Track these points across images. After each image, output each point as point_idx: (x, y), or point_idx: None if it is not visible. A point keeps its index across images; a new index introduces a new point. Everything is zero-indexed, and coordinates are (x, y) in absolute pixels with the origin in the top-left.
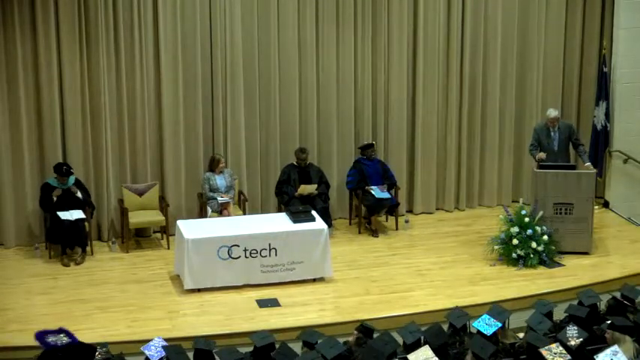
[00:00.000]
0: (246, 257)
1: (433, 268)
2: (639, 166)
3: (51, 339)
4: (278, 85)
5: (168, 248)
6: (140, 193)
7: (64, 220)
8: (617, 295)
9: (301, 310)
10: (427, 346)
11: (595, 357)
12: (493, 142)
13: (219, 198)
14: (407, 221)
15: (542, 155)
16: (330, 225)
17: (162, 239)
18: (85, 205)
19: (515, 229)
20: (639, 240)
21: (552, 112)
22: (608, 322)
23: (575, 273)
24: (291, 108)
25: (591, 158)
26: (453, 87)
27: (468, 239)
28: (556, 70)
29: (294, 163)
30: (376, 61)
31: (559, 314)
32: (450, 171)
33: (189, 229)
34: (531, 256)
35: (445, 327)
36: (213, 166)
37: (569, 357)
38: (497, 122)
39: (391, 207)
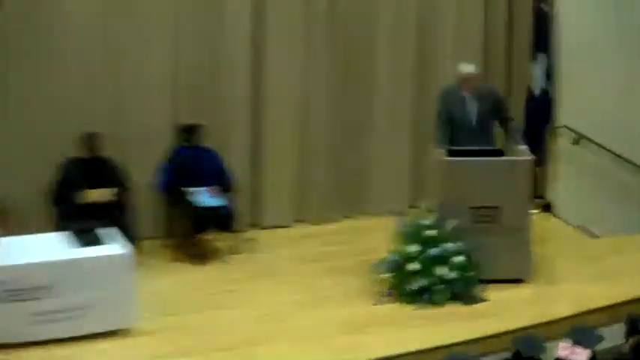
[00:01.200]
0: (8, 302)
1: (291, 309)
2: (597, 150)
3: None
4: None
5: None
6: None
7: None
8: (568, 341)
9: None
10: None
11: None
12: (381, 126)
13: None
14: (251, 240)
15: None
16: (134, 248)
17: None
18: None
19: (413, 248)
20: (599, 257)
21: (467, 68)
22: None
23: (505, 311)
24: (70, 78)
25: (527, 139)
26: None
27: (344, 265)
28: (474, 7)
29: (79, 155)
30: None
31: None
32: (318, 167)
33: None
34: (440, 287)
35: None
36: None
37: None
38: (387, 96)
39: (226, 219)
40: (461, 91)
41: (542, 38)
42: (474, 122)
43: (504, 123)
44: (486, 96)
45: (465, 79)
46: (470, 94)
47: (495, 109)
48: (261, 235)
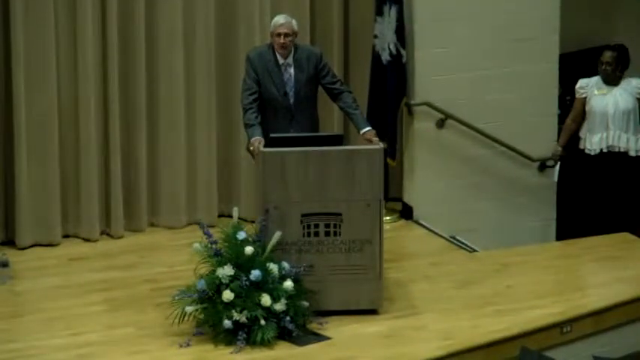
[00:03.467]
0: None
1: (65, 357)
2: (469, 135)
3: None
4: None
5: None
6: None
7: None
8: None
9: None
10: None
11: None
12: (176, 108)
13: None
14: (4, 265)
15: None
16: None
17: None
18: None
19: (225, 271)
20: (476, 280)
21: (280, 19)
22: None
23: (350, 354)
24: None
25: (374, 120)
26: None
27: (133, 295)
28: None
29: None
30: None
31: None
32: (89, 166)
33: None
34: (262, 323)
35: None
36: None
37: None
38: (176, 71)
39: None
40: (273, 53)
41: None
42: (291, 99)
43: (337, 96)
44: (306, 60)
45: (277, 36)
46: (284, 58)
47: (319, 78)
48: (17, 256)
